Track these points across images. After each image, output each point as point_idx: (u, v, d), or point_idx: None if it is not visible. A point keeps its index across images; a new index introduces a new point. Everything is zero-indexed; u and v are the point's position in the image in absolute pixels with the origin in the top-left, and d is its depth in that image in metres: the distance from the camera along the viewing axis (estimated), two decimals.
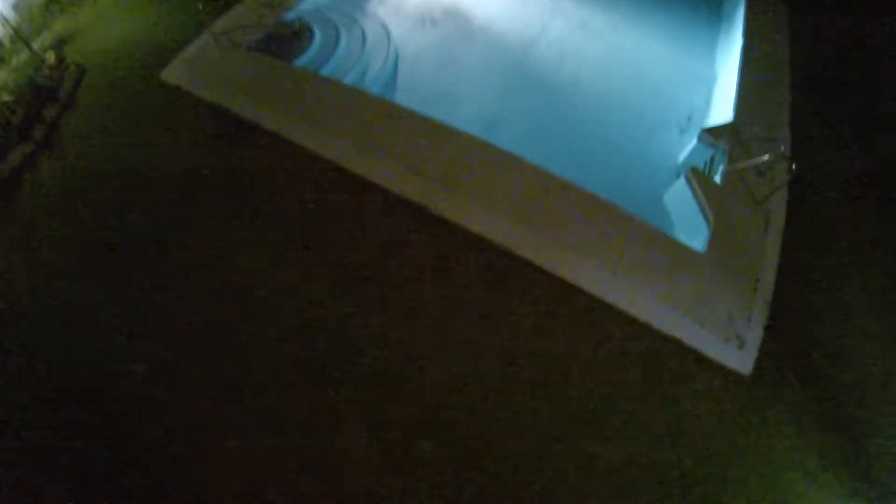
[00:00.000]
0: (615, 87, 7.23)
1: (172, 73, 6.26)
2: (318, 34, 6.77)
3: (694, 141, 6.43)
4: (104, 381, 4.58)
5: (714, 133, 6.21)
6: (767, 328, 5.17)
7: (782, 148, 5.62)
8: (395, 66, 7.07)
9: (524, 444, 4.44)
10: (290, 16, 6.97)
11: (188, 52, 6.38)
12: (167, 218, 5.35)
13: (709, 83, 7.51)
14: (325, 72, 6.50)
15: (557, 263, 4.96)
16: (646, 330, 4.92)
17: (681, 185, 6.03)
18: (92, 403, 4.50)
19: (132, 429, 4.37)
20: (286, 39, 6.67)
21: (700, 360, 4.90)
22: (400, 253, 4.89)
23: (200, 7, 6.63)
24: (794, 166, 5.16)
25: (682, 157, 6.72)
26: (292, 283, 4.82)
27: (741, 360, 4.92)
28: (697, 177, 5.78)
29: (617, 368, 4.77)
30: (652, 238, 5.25)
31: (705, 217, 5.56)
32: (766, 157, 5.45)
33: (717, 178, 6.06)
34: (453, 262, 4.87)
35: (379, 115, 5.60)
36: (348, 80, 6.48)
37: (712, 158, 6.34)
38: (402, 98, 6.84)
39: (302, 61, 6.55)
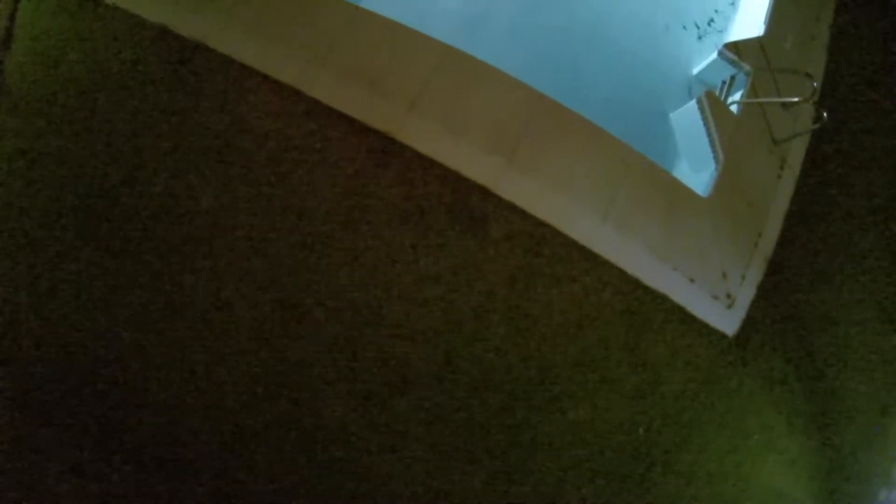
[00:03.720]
0: None
1: None
2: None
3: (713, 54, 5.53)
4: None
5: (738, 49, 5.29)
6: (761, 288, 4.85)
7: (814, 85, 4.79)
8: None
9: (487, 402, 4.25)
10: None
11: None
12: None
13: None
14: None
15: (541, 205, 4.39)
16: (631, 283, 4.55)
17: (692, 106, 5.27)
18: None
19: None
20: None
21: (684, 317, 4.66)
22: (366, 196, 4.29)
23: None
24: (824, 115, 4.40)
25: (697, 69, 5.82)
26: (249, 246, 4.25)
27: (727, 320, 4.68)
28: (712, 103, 5.02)
29: (595, 325, 4.47)
30: (651, 177, 4.65)
31: (714, 154, 4.91)
32: (794, 99, 4.68)
33: (734, 106, 5.30)
34: (423, 204, 4.30)
35: (338, 22, 4.65)
36: None
37: (732, 78, 5.49)
38: None
39: None
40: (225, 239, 4.24)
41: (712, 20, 5.95)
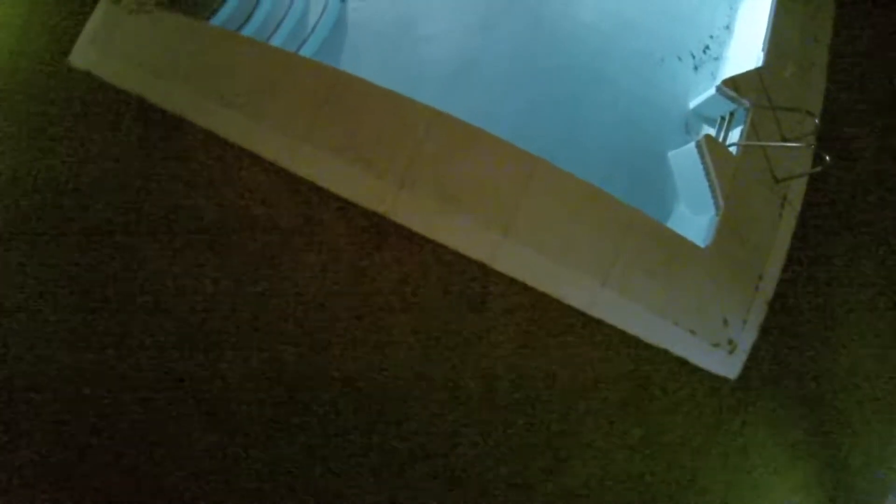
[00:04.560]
0: (617, 9, 5.75)
1: (80, 56, 4.94)
2: None
3: (711, 88, 5.35)
4: None
5: (736, 85, 5.11)
6: (763, 328, 4.87)
7: (816, 122, 4.65)
8: None
9: (498, 470, 4.34)
10: None
11: (90, 26, 4.98)
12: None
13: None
14: (256, 19, 5.10)
15: (540, 276, 4.35)
16: (632, 342, 4.57)
17: (690, 148, 5.15)
18: None
19: None
20: None
21: (685, 367, 4.71)
22: (363, 282, 4.24)
23: None
24: (826, 158, 4.28)
25: (694, 103, 5.64)
26: (248, 339, 4.22)
27: (729, 366, 4.73)
28: (711, 148, 4.89)
29: (598, 387, 4.53)
30: (651, 235, 4.58)
31: (715, 201, 4.82)
32: (795, 144, 4.56)
33: (735, 139, 5.19)
34: (422, 285, 4.26)
35: (319, 90, 4.48)
36: (285, 28, 5.13)
37: (731, 115, 5.33)
38: (353, 42, 5.48)
39: (226, 10, 5.10)
40: (221, 335, 4.23)
41: (707, 47, 5.71)
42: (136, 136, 4.87)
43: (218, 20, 5.14)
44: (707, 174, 4.87)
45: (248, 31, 5.13)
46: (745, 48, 5.56)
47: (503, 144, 4.42)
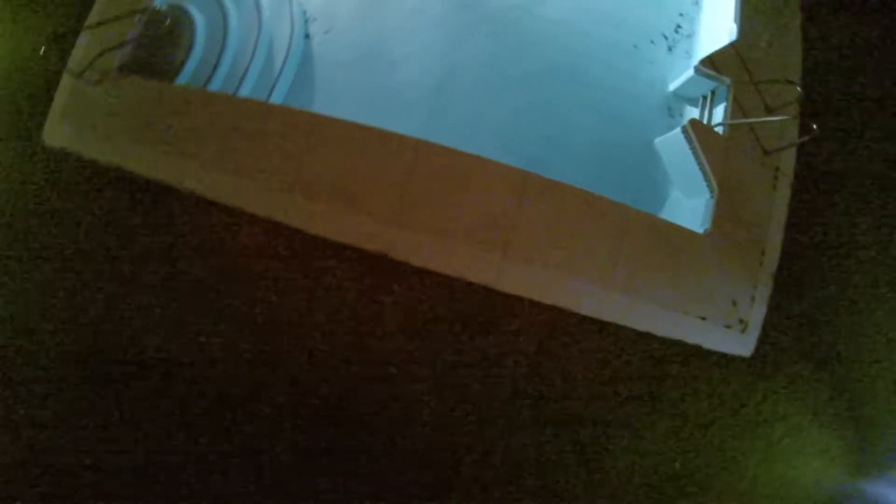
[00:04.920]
0: (582, 2, 5.63)
1: (52, 134, 4.89)
2: (198, 20, 5.05)
3: (689, 69, 5.29)
4: None
5: (714, 63, 5.05)
6: (771, 301, 4.91)
7: (798, 90, 4.61)
8: (306, 29, 5.42)
9: (527, 476, 4.41)
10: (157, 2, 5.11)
11: (57, 102, 4.91)
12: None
13: None
14: (222, 70, 5.01)
15: (546, 290, 4.36)
16: (645, 338, 4.61)
17: (677, 134, 5.11)
18: None
19: None
20: (161, 40, 4.99)
21: (701, 354, 4.76)
22: (372, 322, 4.26)
23: (42, 53, 4.96)
24: (815, 127, 4.25)
25: (674, 85, 5.57)
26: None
27: (743, 344, 4.77)
28: (698, 132, 4.85)
29: (618, 388, 4.59)
30: (650, 231, 4.57)
31: (708, 184, 4.81)
32: (781, 118, 4.52)
33: (719, 116, 5.15)
34: (430, 317, 4.29)
35: (303, 136, 4.44)
36: (252, 74, 5.04)
37: (713, 93, 5.28)
38: (324, 77, 5.40)
39: (191, 64, 5.01)
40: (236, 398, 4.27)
41: (679, 26, 5.61)
42: (123, 206, 4.86)
43: (183, 78, 5.06)
44: (697, 159, 4.84)
45: (215, 86, 5.04)
46: (717, 20, 5.46)
47: (490, 165, 4.39)
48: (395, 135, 4.43)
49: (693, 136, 4.82)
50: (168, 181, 4.69)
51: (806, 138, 4.65)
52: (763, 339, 4.95)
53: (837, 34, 5.47)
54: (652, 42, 5.53)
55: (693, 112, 5.45)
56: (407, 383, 4.26)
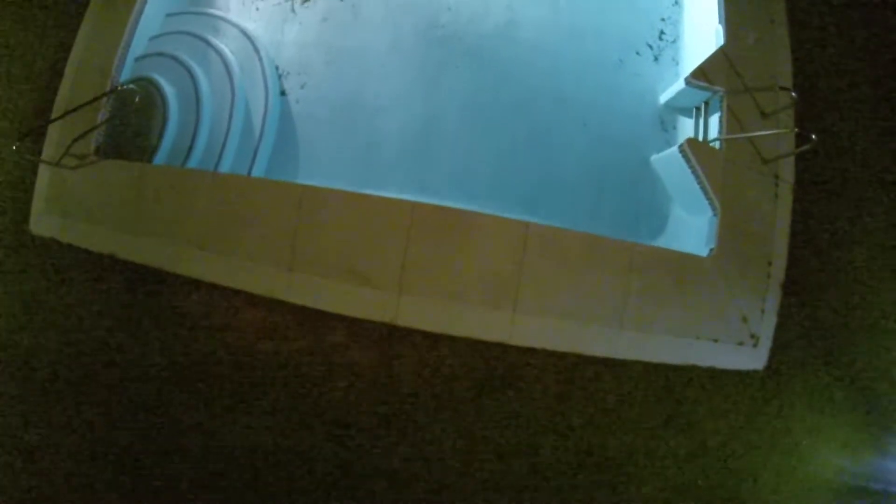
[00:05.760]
0: (556, 19, 5.36)
1: (39, 223, 4.79)
2: (168, 91, 4.83)
3: (676, 75, 5.14)
4: None
5: (705, 73, 4.88)
6: (781, 311, 4.90)
7: (793, 95, 4.48)
8: (280, 86, 5.20)
9: None
10: (126, 77, 4.84)
11: (39, 192, 4.79)
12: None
13: None
14: (200, 140, 4.84)
15: (558, 338, 4.36)
16: (659, 368, 4.62)
17: (674, 153, 4.99)
18: None
19: None
20: (134, 117, 4.78)
21: (715, 374, 4.77)
22: (390, 392, 4.25)
23: (15, 148, 4.77)
24: (813, 137, 4.14)
25: (665, 97, 5.38)
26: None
27: (756, 358, 4.82)
28: (695, 151, 4.74)
29: (636, 420, 4.62)
30: (656, 264, 4.54)
31: (710, 202, 4.73)
32: (778, 131, 4.44)
33: (714, 126, 5.05)
34: (447, 379, 4.28)
35: (292, 209, 4.33)
36: (233, 140, 4.87)
37: (706, 104, 5.13)
38: (306, 134, 5.20)
39: (168, 138, 4.83)
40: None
41: (662, 32, 5.38)
42: (121, 297, 4.79)
43: (162, 154, 4.90)
44: (697, 178, 4.74)
45: (196, 157, 4.88)
46: (701, 20, 5.25)
47: (489, 220, 4.31)
48: (388, 200, 4.34)
49: (691, 155, 4.70)
50: (162, 267, 4.62)
51: (805, 147, 4.54)
52: (774, 349, 4.97)
53: (836, 34, 5.26)
54: (637, 53, 5.32)
55: (687, 123, 5.30)
56: (431, 449, 4.29)
